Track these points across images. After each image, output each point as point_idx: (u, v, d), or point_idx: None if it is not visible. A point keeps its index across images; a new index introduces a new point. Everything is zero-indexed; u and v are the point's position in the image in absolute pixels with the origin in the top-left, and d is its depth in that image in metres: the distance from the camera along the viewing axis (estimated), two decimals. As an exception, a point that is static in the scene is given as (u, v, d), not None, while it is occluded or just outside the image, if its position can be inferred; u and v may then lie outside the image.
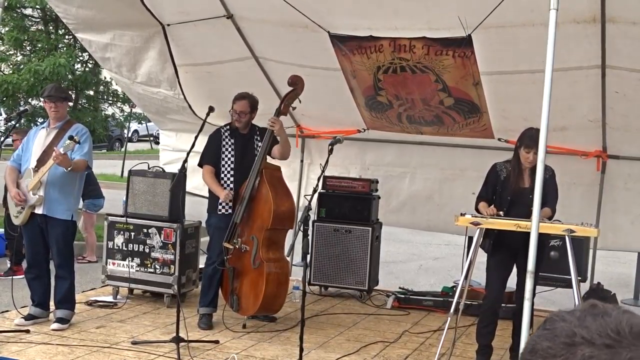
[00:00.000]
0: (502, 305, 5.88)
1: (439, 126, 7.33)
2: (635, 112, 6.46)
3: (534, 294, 5.44)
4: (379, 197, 7.90)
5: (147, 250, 7.02)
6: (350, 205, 7.69)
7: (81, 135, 6.09)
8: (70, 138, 5.90)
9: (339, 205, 7.72)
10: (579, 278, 6.44)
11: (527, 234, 4.63)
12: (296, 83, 6.36)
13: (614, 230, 7.25)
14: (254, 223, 6.30)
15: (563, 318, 0.98)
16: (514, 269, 5.67)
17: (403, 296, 7.57)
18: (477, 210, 5.65)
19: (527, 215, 5.02)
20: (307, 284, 6.08)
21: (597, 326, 0.95)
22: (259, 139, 6.47)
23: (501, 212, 5.44)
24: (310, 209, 5.54)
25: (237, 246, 6.30)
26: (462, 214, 5.39)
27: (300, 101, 6.38)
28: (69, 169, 5.92)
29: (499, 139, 7.23)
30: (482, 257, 5.84)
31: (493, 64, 6.25)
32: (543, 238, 5.20)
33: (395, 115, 7.35)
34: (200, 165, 6.50)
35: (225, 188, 6.34)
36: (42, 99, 6.55)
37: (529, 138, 5.39)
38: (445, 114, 7.08)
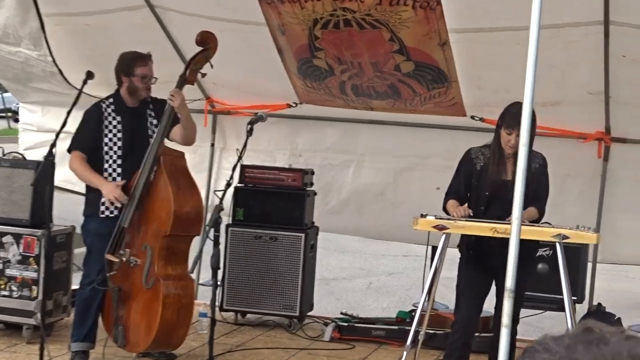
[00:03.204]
0: (476, 334, 5.92)
1: (394, 99, 7.36)
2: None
3: (516, 320, 5.51)
4: (315, 194, 7.91)
5: None
6: (277, 203, 7.67)
7: None
8: None
9: (262, 204, 7.69)
10: (574, 298, 6.51)
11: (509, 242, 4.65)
12: (207, 42, 6.32)
13: (620, 236, 7.36)
14: (148, 228, 6.24)
15: (547, 348, 0.99)
16: (493, 288, 5.71)
17: (346, 324, 7.58)
18: (445, 210, 5.67)
19: (510, 216, 5.04)
20: (218, 309, 6.01)
21: (590, 358, 0.95)
22: (153, 115, 6.40)
23: (471, 212, 5.47)
24: (222, 209, 5.48)
25: (124, 259, 6.21)
26: (423, 216, 5.40)
27: (212, 66, 6.33)
28: None
29: (473, 117, 7.29)
30: (451, 271, 5.85)
31: (465, 18, 6.29)
32: (529, 246, 5.23)
33: (338, 85, 7.36)
34: (69, 150, 6.38)
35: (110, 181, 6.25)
36: None
37: (512, 116, 5.43)
38: (402, 83, 7.11)
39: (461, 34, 6.43)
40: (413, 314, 6.86)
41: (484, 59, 6.66)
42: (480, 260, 5.61)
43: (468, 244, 5.65)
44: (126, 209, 6.19)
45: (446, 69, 6.82)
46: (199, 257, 5.51)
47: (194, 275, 6.60)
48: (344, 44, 6.84)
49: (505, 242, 4.99)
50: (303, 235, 7.61)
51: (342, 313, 7.96)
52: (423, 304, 5.64)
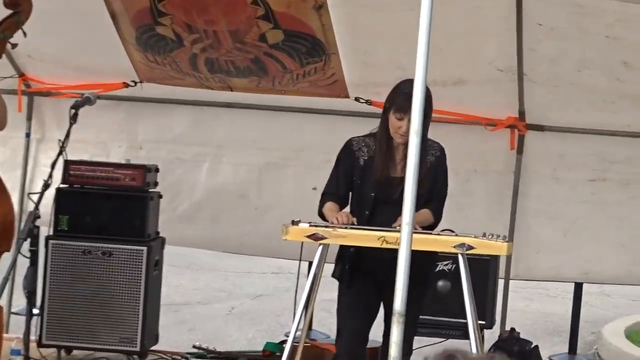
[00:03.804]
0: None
1: (259, 77, 7.41)
2: (570, 56, 6.67)
3: (409, 350, 5.55)
4: (160, 196, 7.81)
5: None
6: (112, 209, 7.55)
7: None
8: None
9: (92, 210, 7.55)
10: (481, 323, 6.59)
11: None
12: (18, 4, 6.21)
13: (537, 246, 7.49)
14: (-58, 242, 6.07)
15: None
16: (381, 310, 5.73)
17: (201, 360, 7.54)
18: (321, 215, 5.66)
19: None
20: (35, 344, 5.87)
21: None
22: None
23: (354, 220, 5.46)
24: (40, 217, 5.37)
25: None
26: (295, 223, 5.38)
27: (25, 34, 6.22)
28: None
29: (358, 99, 7.33)
30: (332, 292, 5.86)
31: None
32: (425, 259, 5.26)
33: (188, 59, 7.38)
34: None
35: None
36: None
37: (405, 97, 5.43)
38: (269, 57, 7.16)
39: (342, -5, 6.46)
40: (284, 345, 6.86)
41: (370, 27, 6.70)
42: (364, 278, 5.60)
43: (343, 258, 5.62)
44: None
45: (324, 39, 6.83)
46: (8, 278, 5.40)
47: (3, 302, 6.46)
48: (195, 8, 6.84)
49: (396, 254, 5.03)
50: (145, 248, 7.47)
51: (194, 347, 7.92)
52: (295, 333, 5.61)
